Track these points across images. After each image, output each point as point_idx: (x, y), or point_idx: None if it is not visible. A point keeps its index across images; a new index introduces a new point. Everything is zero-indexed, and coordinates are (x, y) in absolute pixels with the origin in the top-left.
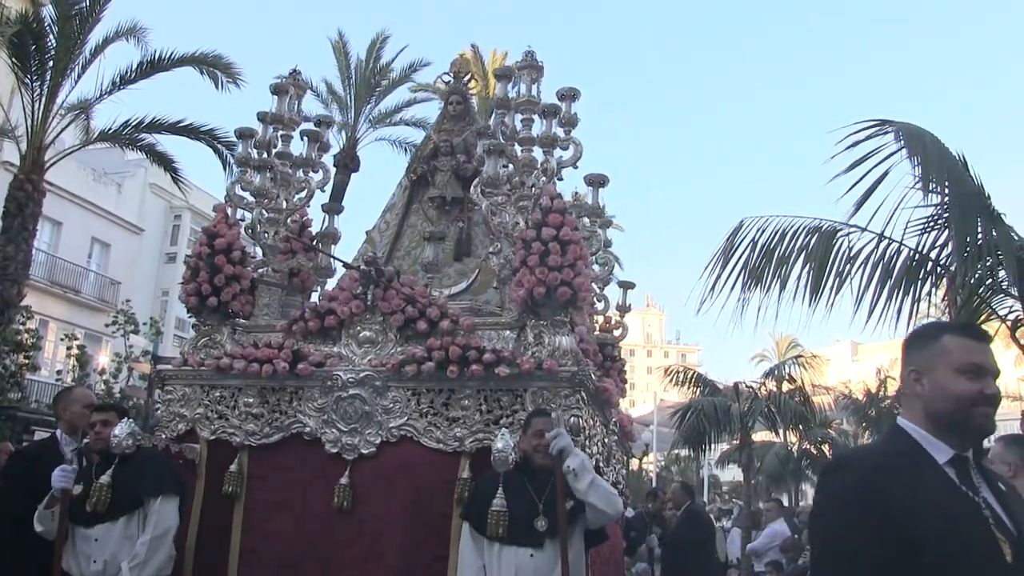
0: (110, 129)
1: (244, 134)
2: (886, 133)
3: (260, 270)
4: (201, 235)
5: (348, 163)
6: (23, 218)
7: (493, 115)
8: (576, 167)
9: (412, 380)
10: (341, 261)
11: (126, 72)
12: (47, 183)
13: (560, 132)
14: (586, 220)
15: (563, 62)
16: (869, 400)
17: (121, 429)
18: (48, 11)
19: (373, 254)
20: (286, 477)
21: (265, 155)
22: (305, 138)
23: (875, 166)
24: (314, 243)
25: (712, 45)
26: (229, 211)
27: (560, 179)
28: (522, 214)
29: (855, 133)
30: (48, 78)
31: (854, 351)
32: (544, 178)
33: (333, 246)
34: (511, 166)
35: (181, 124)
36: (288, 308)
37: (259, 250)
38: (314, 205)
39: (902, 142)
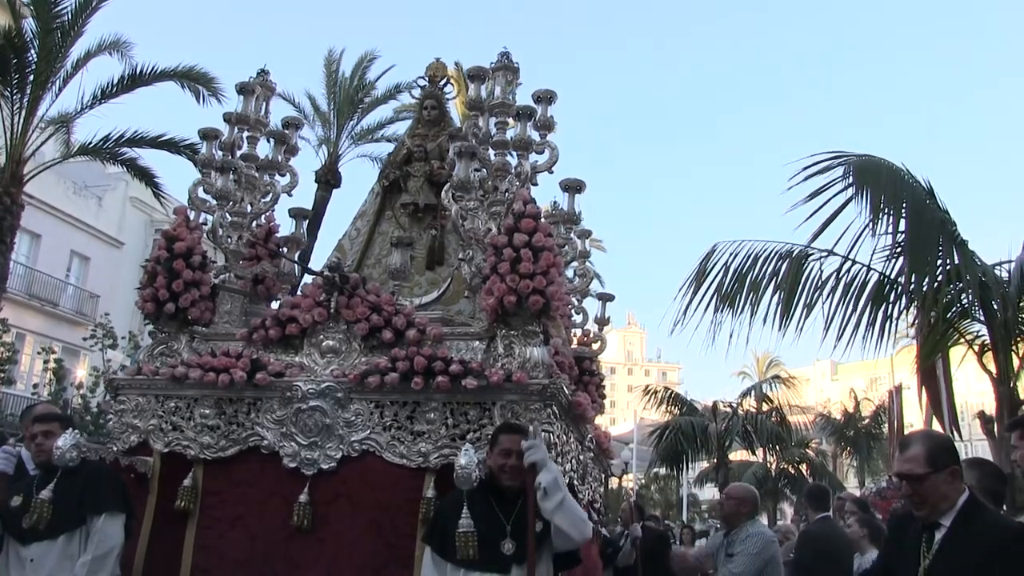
0: (91, 143)
1: (208, 135)
2: (839, 166)
3: (222, 276)
4: (160, 238)
5: (330, 179)
6: (0, 231)
7: (465, 117)
8: (552, 172)
9: (375, 392)
10: (303, 266)
11: (107, 86)
12: (27, 196)
13: (535, 136)
14: (561, 228)
15: (550, 82)
16: (847, 420)
17: (64, 440)
18: (29, 24)
19: (337, 259)
20: (242, 493)
21: (229, 157)
22: (271, 140)
23: (834, 196)
24: (279, 249)
25: (704, 61)
26: (192, 214)
27: (535, 184)
28: (494, 220)
29: (810, 166)
30: (28, 91)
31: (833, 370)
32: (518, 183)
33: (298, 252)
34: (484, 170)
35: (162, 138)
36: (252, 316)
37: (221, 255)
38: (282, 211)
39: (850, 178)
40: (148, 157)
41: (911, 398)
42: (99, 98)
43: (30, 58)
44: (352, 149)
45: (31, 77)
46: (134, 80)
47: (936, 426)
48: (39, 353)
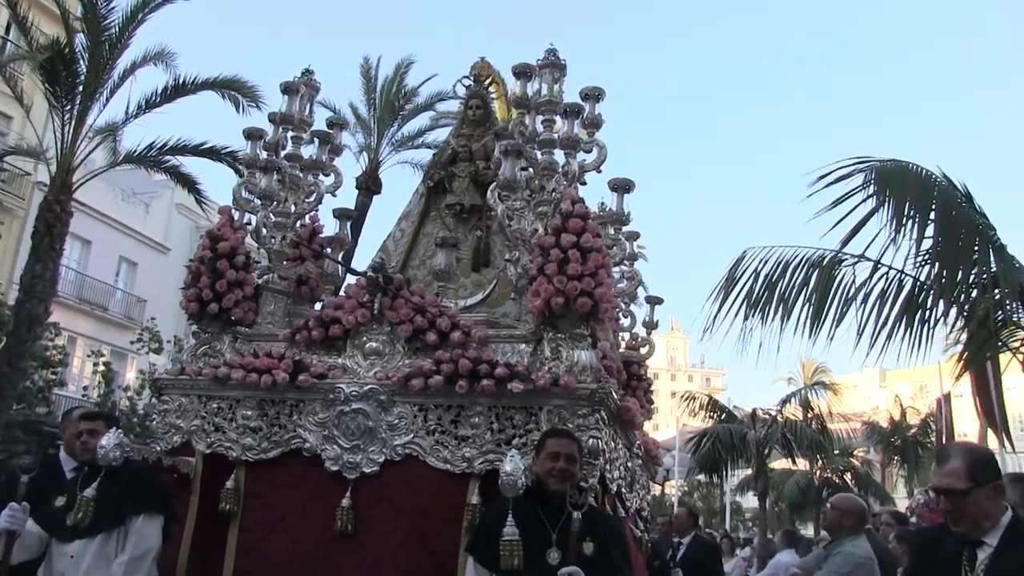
0: (136, 151)
1: (252, 134)
2: (860, 173)
3: (265, 276)
4: (204, 238)
5: (370, 185)
6: (51, 238)
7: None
8: (600, 171)
9: (419, 395)
10: (346, 267)
11: (152, 96)
12: (77, 203)
13: (583, 134)
14: (610, 228)
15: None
16: (893, 428)
17: (108, 440)
18: (80, 38)
19: (381, 259)
20: (284, 495)
21: (273, 157)
22: (316, 140)
23: (860, 203)
24: (323, 249)
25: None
26: (235, 214)
27: (583, 183)
28: (541, 220)
29: (829, 174)
30: (78, 102)
31: (882, 377)
32: (565, 182)
33: (342, 252)
34: (530, 170)
35: (203, 146)
36: (295, 317)
37: (265, 256)
38: (327, 211)
39: (871, 187)
40: (190, 164)
41: (961, 406)
42: (144, 107)
43: (79, 69)
44: (392, 156)
45: (80, 88)
46: (177, 90)
47: (991, 436)
48: (89, 356)
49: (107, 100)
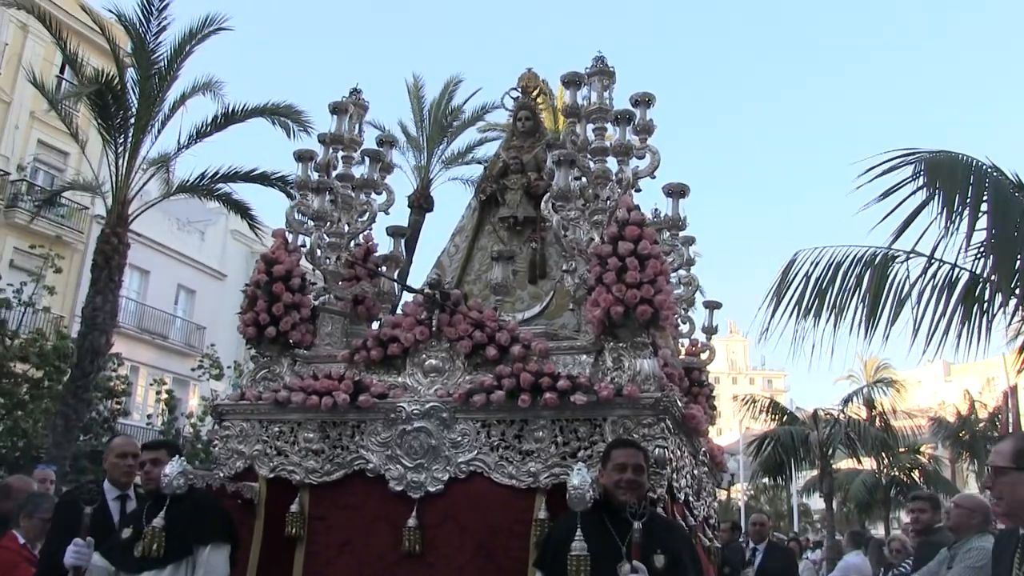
0: (189, 180)
1: (303, 156)
2: (909, 165)
3: (321, 298)
4: (259, 262)
5: (422, 203)
6: (109, 270)
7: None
8: (654, 177)
9: (481, 411)
10: (403, 284)
11: (203, 126)
12: (134, 234)
13: (635, 140)
14: (666, 234)
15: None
16: (960, 423)
17: (171, 468)
18: (130, 72)
19: (437, 276)
20: (348, 517)
21: (325, 177)
22: (367, 159)
23: (909, 195)
24: (377, 268)
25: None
26: (289, 237)
27: (637, 190)
28: (597, 229)
29: (877, 166)
30: (131, 135)
31: (946, 371)
32: (619, 189)
33: (397, 270)
34: (584, 179)
35: (254, 172)
36: (352, 337)
37: (320, 276)
38: (380, 230)
39: (922, 178)
40: (242, 191)
41: None
42: (195, 137)
43: (130, 102)
44: (443, 173)
45: (132, 121)
46: (227, 118)
47: None
48: (151, 385)
49: (159, 132)
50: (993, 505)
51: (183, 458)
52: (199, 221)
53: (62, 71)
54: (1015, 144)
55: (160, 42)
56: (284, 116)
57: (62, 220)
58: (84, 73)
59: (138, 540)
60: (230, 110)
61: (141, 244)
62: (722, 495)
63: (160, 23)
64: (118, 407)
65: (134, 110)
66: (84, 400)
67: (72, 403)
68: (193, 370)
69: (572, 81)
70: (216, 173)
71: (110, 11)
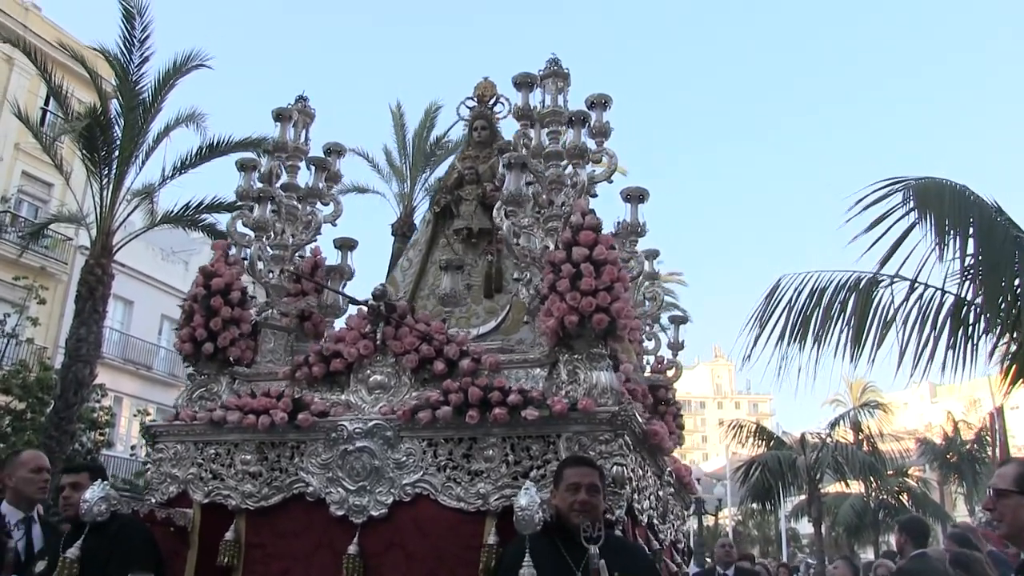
0: (173, 211)
1: (246, 165)
2: (899, 192)
3: (264, 313)
4: (197, 275)
5: (406, 232)
6: (94, 301)
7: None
8: (611, 181)
9: (427, 428)
10: (347, 296)
11: (187, 158)
12: (118, 264)
13: (591, 143)
14: (625, 242)
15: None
16: (947, 444)
17: (92, 493)
18: (114, 104)
19: (382, 286)
20: (288, 545)
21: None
22: (312, 168)
23: (896, 221)
24: (325, 282)
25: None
26: (233, 249)
27: (593, 196)
28: (551, 237)
29: (869, 195)
30: (115, 166)
31: (932, 393)
32: (574, 193)
33: (343, 283)
34: (538, 184)
35: (238, 203)
36: (298, 355)
37: (262, 290)
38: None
39: (911, 203)
40: (226, 221)
41: (1018, 418)
42: (179, 169)
43: (115, 135)
44: (426, 200)
45: (116, 153)
46: (211, 150)
47: None
48: (135, 415)
49: (143, 163)
50: (993, 528)
51: (106, 482)
52: (183, 251)
53: (47, 103)
54: (988, 171)
55: (143, 73)
56: (266, 148)
57: (46, 251)
58: (69, 105)
59: (53, 574)
60: (214, 142)
61: (125, 274)
62: (710, 520)
63: (143, 54)
64: (101, 438)
65: (118, 142)
66: (67, 432)
67: (55, 435)
68: (177, 400)
69: (524, 83)
70: (200, 203)
71: (94, 48)
